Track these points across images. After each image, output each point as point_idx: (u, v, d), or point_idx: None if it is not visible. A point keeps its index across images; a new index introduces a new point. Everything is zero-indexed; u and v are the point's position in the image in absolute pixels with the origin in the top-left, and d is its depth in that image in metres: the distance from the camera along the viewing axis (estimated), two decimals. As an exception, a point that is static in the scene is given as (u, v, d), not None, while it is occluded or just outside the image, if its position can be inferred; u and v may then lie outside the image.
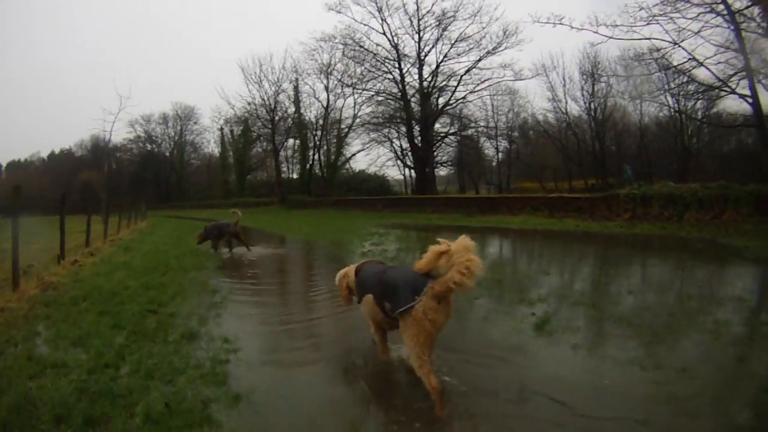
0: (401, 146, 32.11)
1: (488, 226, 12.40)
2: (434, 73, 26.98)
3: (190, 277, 6.26)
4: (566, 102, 27.56)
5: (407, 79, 27.53)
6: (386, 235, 11.34)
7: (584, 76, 26.77)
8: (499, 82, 26.73)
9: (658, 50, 17.50)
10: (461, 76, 26.75)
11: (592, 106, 27.09)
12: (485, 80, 26.53)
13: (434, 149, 29.32)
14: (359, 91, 29.29)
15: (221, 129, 39.94)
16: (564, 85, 27.33)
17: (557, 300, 4.57)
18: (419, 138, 27.60)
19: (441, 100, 27.79)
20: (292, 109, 32.21)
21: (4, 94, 67.95)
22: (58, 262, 7.34)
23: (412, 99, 27.44)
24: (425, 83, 27.20)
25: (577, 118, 27.73)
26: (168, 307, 4.58)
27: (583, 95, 27.20)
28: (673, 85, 24.32)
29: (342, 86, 29.87)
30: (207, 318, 4.24)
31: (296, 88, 31.42)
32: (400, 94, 27.59)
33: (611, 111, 26.82)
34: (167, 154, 49.24)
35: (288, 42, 51.73)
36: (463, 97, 27.48)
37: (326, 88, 30.59)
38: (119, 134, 61.64)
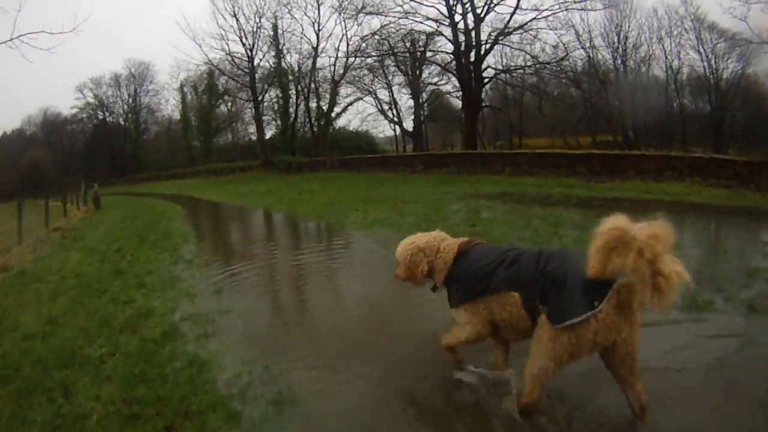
0: (391, 98, 27.84)
1: (650, 198, 8.17)
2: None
3: None
4: (592, 46, 24.60)
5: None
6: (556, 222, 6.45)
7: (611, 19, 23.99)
8: (565, 10, 19.47)
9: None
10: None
11: (620, 52, 24.58)
12: (544, 9, 19.33)
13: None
14: (370, 17, 22.68)
15: (182, 86, 33.23)
16: (590, 31, 24.30)
17: None
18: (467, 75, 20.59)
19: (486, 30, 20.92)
20: (271, 53, 26.22)
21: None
22: None
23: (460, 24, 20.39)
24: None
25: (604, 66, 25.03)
26: None
27: (607, 41, 24.56)
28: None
29: (344, 12, 23.23)
30: None
31: (275, 27, 25.52)
32: (447, 16, 20.41)
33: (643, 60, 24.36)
34: (121, 121, 41.97)
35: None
36: (521, 27, 20.15)
37: (316, 22, 24.96)
38: (67, 102, 50.67)
